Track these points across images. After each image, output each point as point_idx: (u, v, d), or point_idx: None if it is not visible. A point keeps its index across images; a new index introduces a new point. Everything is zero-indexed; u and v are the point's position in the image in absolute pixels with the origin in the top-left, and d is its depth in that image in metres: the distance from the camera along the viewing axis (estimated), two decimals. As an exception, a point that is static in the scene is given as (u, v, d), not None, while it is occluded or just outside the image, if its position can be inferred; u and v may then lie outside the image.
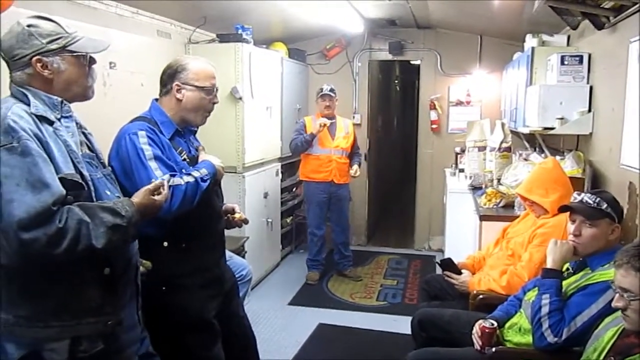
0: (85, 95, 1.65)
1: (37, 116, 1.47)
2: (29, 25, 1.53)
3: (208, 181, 2.04)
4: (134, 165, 1.94)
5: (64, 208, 1.40)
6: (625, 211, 2.43)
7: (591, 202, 2.11)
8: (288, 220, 5.58)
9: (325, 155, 4.71)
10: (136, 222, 1.56)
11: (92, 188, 1.56)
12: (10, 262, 1.40)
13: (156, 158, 1.96)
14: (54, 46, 1.54)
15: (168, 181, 1.81)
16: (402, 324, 3.75)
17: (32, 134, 1.41)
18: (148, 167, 1.93)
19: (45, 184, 1.37)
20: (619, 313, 1.64)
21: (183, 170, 2.02)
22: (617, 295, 1.58)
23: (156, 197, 1.65)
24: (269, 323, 4.00)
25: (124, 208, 1.53)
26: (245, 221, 2.40)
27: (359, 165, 4.88)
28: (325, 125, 4.57)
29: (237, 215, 2.38)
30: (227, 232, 2.37)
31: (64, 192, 1.41)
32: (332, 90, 4.68)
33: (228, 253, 2.62)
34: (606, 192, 2.22)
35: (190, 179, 1.98)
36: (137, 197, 1.62)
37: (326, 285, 4.85)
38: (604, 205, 2.09)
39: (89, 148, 1.69)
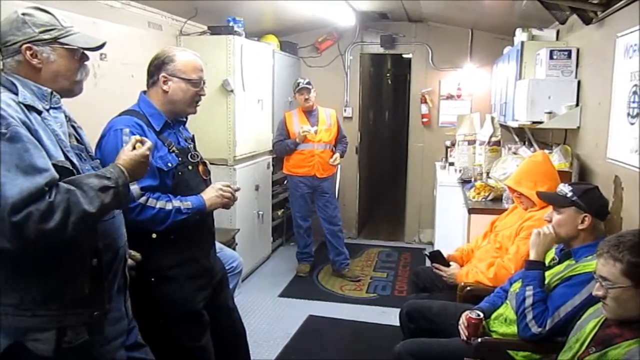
0: (72, 89, 1.65)
1: (25, 105, 1.47)
2: (24, 14, 1.55)
3: (186, 215, 2.05)
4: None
5: (52, 186, 1.40)
6: (610, 204, 2.47)
7: (565, 190, 2.17)
8: (279, 212, 5.59)
9: (308, 150, 4.67)
10: (124, 182, 1.55)
11: None
12: (9, 246, 1.36)
13: None
14: (46, 36, 1.55)
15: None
16: (391, 316, 3.78)
17: (20, 122, 1.40)
18: None
19: (37, 169, 1.36)
20: (600, 304, 1.68)
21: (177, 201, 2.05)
22: (598, 284, 1.62)
23: (137, 151, 1.64)
24: (259, 315, 4.02)
25: (108, 171, 1.53)
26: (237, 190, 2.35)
27: (341, 154, 4.84)
28: (308, 132, 4.56)
29: None
30: (217, 224, 2.37)
31: (57, 176, 1.40)
32: (308, 83, 4.65)
33: (218, 245, 2.63)
34: (586, 183, 2.26)
35: (168, 207, 2.01)
36: (119, 159, 1.61)
37: (316, 277, 4.88)
38: (570, 194, 2.13)
39: (77, 141, 1.68)
